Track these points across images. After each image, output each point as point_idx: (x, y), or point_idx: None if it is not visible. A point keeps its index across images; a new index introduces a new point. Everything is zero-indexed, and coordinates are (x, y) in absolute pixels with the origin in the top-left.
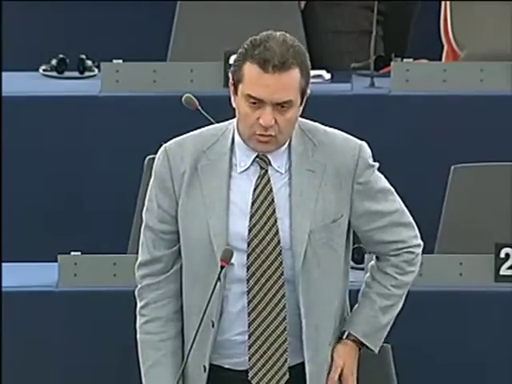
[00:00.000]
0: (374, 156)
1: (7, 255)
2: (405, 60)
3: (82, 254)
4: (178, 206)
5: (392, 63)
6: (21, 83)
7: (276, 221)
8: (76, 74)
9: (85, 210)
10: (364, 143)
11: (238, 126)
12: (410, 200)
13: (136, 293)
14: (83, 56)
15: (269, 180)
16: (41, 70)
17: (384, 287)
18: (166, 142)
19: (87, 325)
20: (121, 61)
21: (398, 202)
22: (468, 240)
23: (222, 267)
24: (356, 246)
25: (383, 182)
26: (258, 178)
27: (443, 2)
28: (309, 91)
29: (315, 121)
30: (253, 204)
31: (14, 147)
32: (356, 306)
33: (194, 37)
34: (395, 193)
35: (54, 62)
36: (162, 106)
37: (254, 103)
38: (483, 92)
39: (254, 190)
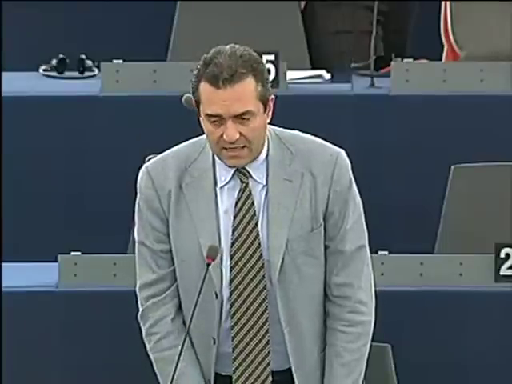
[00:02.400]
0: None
1: (7, 255)
2: (405, 60)
3: (82, 254)
4: (168, 224)
5: (392, 63)
6: (21, 83)
7: (258, 234)
8: (76, 74)
9: (85, 210)
10: (342, 151)
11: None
12: (410, 200)
13: (139, 315)
14: (83, 56)
15: (250, 193)
16: (41, 70)
17: (335, 346)
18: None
19: (87, 325)
20: (121, 61)
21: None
22: (468, 240)
23: (209, 264)
24: None
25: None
26: (239, 192)
27: (443, 2)
28: (272, 96)
29: (315, 121)
30: (235, 218)
31: (14, 147)
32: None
33: (194, 37)
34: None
35: (54, 62)
36: (162, 106)
37: (215, 121)
38: (483, 92)
39: (236, 203)
